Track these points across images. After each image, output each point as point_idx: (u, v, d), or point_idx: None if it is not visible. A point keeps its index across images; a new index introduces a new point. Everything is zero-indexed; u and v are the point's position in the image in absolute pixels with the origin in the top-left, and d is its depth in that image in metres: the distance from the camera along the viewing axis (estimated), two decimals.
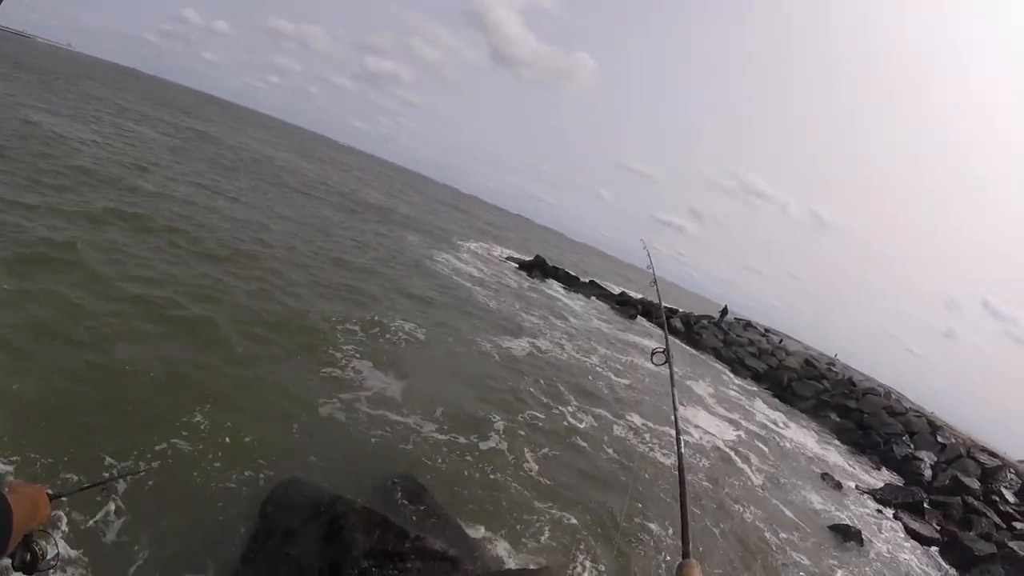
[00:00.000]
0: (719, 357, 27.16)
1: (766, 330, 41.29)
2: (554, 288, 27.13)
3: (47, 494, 1.48)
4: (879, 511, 13.16)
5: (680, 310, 36.69)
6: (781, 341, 35.69)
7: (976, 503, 14.70)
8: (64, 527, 4.03)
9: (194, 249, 10.88)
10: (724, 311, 37.05)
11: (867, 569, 9.58)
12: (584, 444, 9.23)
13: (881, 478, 16.82)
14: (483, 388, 9.69)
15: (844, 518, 11.30)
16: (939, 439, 20.67)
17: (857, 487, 14.52)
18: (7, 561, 1.39)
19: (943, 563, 11.53)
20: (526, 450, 8.06)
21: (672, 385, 3.27)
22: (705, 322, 32.54)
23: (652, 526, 7.38)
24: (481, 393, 9.42)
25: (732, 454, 12.36)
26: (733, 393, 20.16)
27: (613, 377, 14.22)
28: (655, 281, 5.15)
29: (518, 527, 6.21)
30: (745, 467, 11.88)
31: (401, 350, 9.86)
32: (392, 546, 4.32)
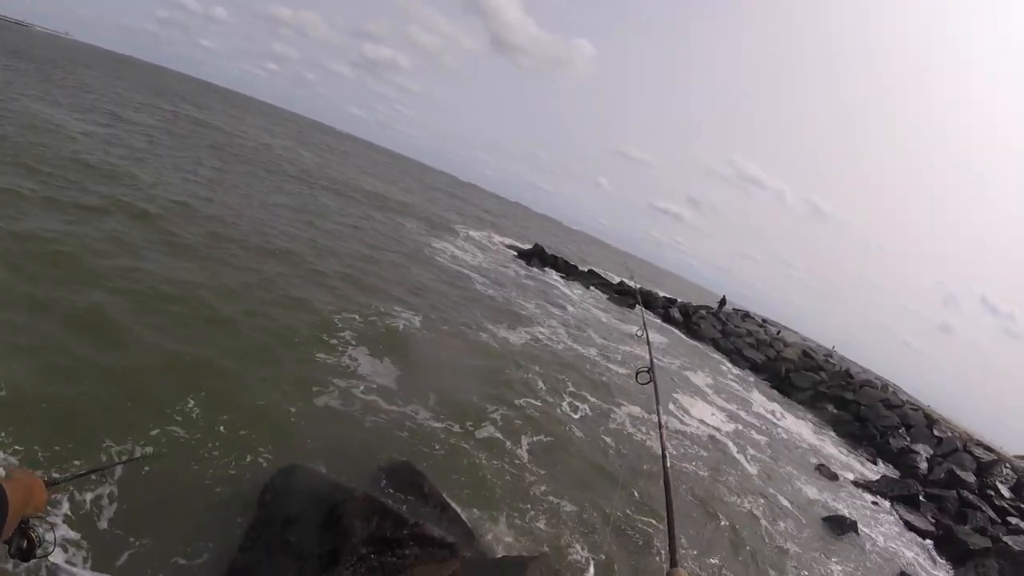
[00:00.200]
0: (717, 347, 27.26)
1: (764, 320, 41.41)
2: (552, 277, 27.12)
3: (44, 481, 1.48)
4: (875, 503, 13.24)
5: (678, 300, 36.72)
6: (779, 332, 35.78)
7: (971, 497, 14.73)
8: (62, 512, 4.05)
9: (190, 238, 10.82)
10: (722, 301, 37.12)
11: (862, 561, 9.65)
12: (580, 433, 9.27)
13: (877, 470, 16.91)
14: (480, 377, 9.71)
15: (840, 509, 11.38)
16: (935, 433, 20.75)
17: (853, 479, 14.62)
18: (4, 547, 1.39)
19: (938, 556, 11.60)
20: (523, 438, 8.10)
21: (656, 403, 3.31)
22: (703, 312, 32.57)
23: (645, 516, 7.42)
24: (478, 382, 9.43)
25: (729, 444, 12.43)
26: (731, 383, 20.23)
27: (610, 366, 14.25)
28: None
29: (515, 514, 6.25)
30: (741, 457, 11.95)
31: (399, 338, 9.85)
32: (391, 533, 4.35)
